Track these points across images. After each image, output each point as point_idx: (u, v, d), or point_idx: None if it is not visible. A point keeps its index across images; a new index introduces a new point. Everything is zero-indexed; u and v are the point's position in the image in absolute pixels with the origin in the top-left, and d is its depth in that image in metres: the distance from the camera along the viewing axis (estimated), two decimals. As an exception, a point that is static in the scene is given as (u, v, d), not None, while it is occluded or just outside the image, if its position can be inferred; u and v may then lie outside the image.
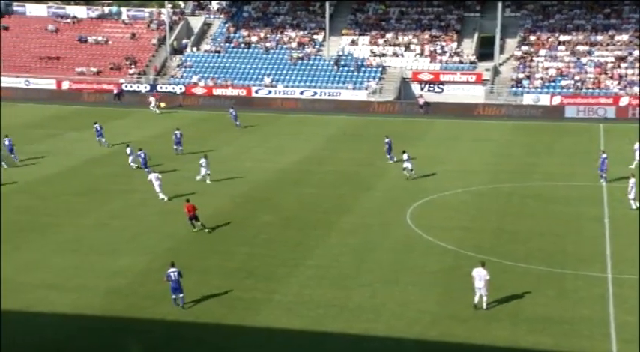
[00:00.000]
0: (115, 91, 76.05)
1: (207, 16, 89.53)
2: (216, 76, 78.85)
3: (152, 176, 40.92)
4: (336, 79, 77.07)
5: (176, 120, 65.41)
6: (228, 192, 42.21)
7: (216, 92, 76.71)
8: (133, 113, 69.74)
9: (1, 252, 31.93)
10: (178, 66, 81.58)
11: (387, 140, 50.03)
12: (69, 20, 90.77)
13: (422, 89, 75.25)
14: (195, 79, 78.71)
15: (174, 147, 52.18)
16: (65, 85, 79.23)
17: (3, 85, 78.80)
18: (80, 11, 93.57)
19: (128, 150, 47.35)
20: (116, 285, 28.73)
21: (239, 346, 24.60)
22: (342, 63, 78.51)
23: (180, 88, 77.35)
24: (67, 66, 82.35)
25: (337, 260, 31.83)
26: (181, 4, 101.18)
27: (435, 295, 28.15)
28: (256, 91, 76.36)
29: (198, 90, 77.13)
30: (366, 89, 75.05)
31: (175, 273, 26.81)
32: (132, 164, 47.05)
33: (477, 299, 26.79)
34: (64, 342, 24.49)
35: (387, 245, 33.75)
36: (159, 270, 30.24)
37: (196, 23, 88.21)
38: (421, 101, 71.87)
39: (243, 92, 76.44)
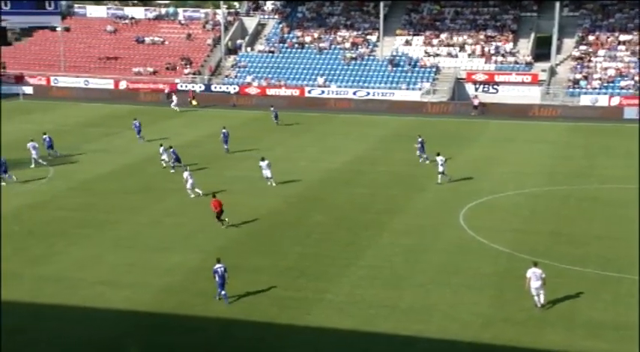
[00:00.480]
0: (167, 91, 77.07)
1: (261, 16, 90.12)
2: (270, 76, 79.28)
3: (185, 173, 41.39)
4: (390, 79, 76.82)
5: (230, 119, 65.97)
6: (281, 191, 42.36)
7: (270, 92, 77.13)
8: (186, 112, 70.50)
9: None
10: (232, 66, 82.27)
11: (419, 139, 49.56)
12: (127, 21, 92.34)
13: (476, 90, 74.51)
14: (249, 79, 79.27)
15: (225, 146, 52.55)
16: (122, 85, 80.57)
17: (63, 84, 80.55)
18: (138, 12, 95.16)
19: (161, 150, 47.57)
20: (169, 283, 29.05)
21: (290, 345, 24.64)
22: (396, 63, 78.20)
23: (235, 88, 77.98)
24: (124, 66, 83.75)
25: (389, 260, 31.69)
26: (236, 4, 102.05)
27: (488, 297, 27.81)
28: (309, 91, 76.55)
29: (252, 91, 77.66)
30: (420, 89, 74.62)
31: (222, 269, 27.07)
32: (162, 163, 47.32)
33: (537, 299, 26.50)
34: (119, 339, 24.82)
35: (440, 246, 33.48)
36: (211, 269, 30.49)
37: (251, 23, 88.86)
38: (476, 102, 71.18)
39: (296, 92, 76.71)
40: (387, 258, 31.94)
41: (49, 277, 29.59)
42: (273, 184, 42.64)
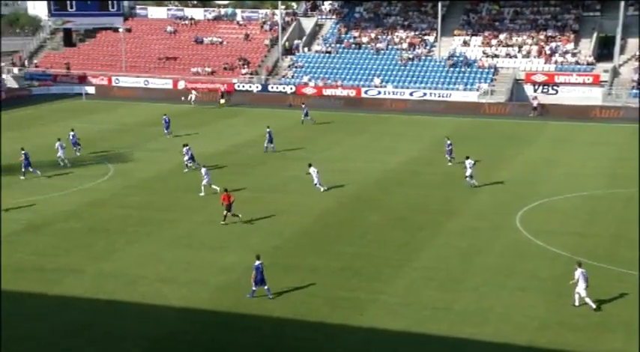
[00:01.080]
0: (221, 91, 77.96)
1: (319, 16, 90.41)
2: (327, 76, 79.48)
3: (203, 170, 41.87)
4: (447, 80, 76.28)
5: (286, 119, 66.42)
6: (336, 192, 42.46)
7: (326, 92, 77.32)
8: (242, 112, 71.17)
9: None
10: (289, 66, 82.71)
11: (448, 142, 48.88)
12: (186, 22, 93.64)
13: (535, 90, 73.47)
14: (305, 79, 79.59)
15: (265, 145, 52.80)
16: (181, 85, 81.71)
17: (124, 84, 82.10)
18: (197, 13, 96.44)
19: (184, 150, 47.50)
20: (225, 281, 29.37)
21: (342, 345, 24.70)
22: (453, 63, 77.62)
23: (291, 88, 78.40)
24: (183, 66, 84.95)
25: (444, 262, 31.51)
26: (294, 5, 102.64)
27: (545, 301, 27.43)
28: (366, 92, 76.51)
29: (308, 91, 77.95)
30: (477, 90, 73.92)
31: (261, 266, 27.55)
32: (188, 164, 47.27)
33: (589, 301, 26.22)
34: (177, 335, 25.19)
35: (496, 248, 33.15)
36: (265, 268, 30.72)
37: (308, 24, 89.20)
38: (535, 103, 70.21)
39: (352, 92, 76.75)
40: (441, 260, 31.77)
41: (110, 273, 30.22)
42: (321, 189, 42.28)
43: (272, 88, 79.33)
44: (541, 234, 34.61)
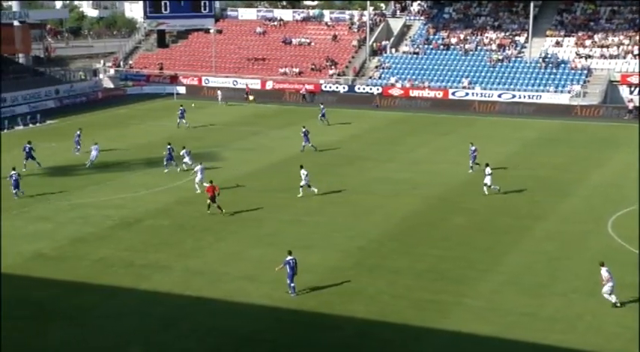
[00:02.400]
0: (302, 91, 78.52)
1: (407, 17, 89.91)
2: (414, 77, 79.00)
3: (198, 168, 42.37)
4: (537, 81, 74.71)
5: (373, 120, 66.43)
6: (421, 193, 42.20)
7: (413, 93, 76.82)
8: (328, 113, 71.34)
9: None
10: (376, 67, 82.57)
11: (472, 148, 47.29)
12: (275, 23, 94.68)
13: (631, 92, 71.15)
14: (392, 80, 79.30)
15: (303, 144, 53.02)
16: (269, 85, 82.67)
17: (213, 84, 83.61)
18: (286, 14, 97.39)
19: (184, 152, 47.07)
20: (309, 280, 29.56)
21: (427, 348, 24.55)
22: (546, 64, 75.96)
23: (378, 89, 78.23)
24: (271, 66, 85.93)
25: (530, 267, 30.88)
26: (382, 5, 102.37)
27: (637, 311, 26.52)
28: (453, 93, 75.69)
29: (395, 92, 77.61)
30: (569, 92, 72.11)
31: (293, 261, 27.81)
32: (184, 166, 47.13)
33: (615, 298, 26.29)
34: (262, 333, 25.49)
35: (585, 254, 32.26)
36: (349, 268, 30.91)
37: (396, 25, 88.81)
38: (630, 105, 68.02)
39: (439, 94, 76.03)
40: (528, 265, 31.15)
41: (196, 270, 30.85)
42: (315, 190, 41.32)
43: (359, 88, 79.35)
44: (635, 241, 33.47)
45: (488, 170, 41.55)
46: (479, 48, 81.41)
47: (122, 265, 31.25)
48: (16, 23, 75.63)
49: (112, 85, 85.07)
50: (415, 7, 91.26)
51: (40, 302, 27.59)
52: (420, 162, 49.68)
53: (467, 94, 75.12)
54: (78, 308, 27.19)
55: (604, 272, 26.70)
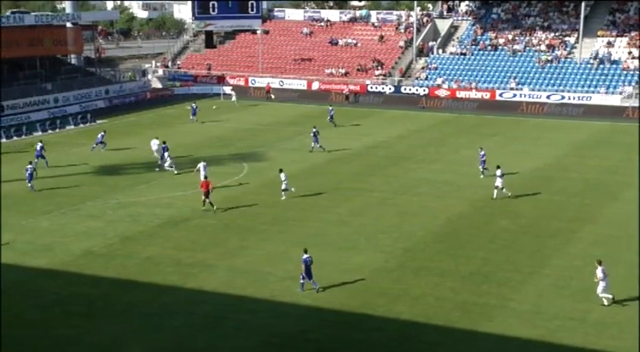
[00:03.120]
0: (345, 92, 78.55)
1: (455, 18, 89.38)
2: (461, 78, 78.51)
3: (200, 165, 42.71)
4: (587, 82, 73.65)
5: (419, 121, 66.22)
6: (467, 195, 41.96)
7: (460, 94, 76.36)
8: (374, 113, 71.45)
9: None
10: (423, 68, 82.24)
11: (482, 152, 46.13)
12: (322, 23, 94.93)
13: (684, 94, 69.78)
14: (439, 81, 78.91)
15: (312, 145, 52.93)
16: (315, 86, 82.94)
17: (260, 85, 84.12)
18: (333, 15, 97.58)
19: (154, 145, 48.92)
20: (353, 282, 29.64)
21: (471, 351, 24.45)
22: (597, 64, 74.85)
23: (424, 90, 77.92)
24: (317, 67, 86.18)
25: (578, 271, 30.52)
26: (430, 6, 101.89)
27: (686, 317, 26.08)
28: (500, 94, 75.02)
29: (442, 93, 77.22)
30: (621, 93, 70.93)
31: (308, 259, 28.36)
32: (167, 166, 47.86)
33: (608, 296, 26.89)
34: (306, 333, 25.64)
35: (634, 259, 31.76)
36: (394, 270, 30.93)
37: (443, 25, 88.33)
38: (682, 107, 66.69)
39: (487, 95, 75.43)
40: (575, 269, 30.80)
41: (241, 269, 31.16)
42: (292, 189, 41.45)
43: (404, 89, 79.15)
44: (685, 246, 32.87)
45: (499, 172, 40.91)
46: (527, 48, 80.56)
47: (169, 263, 31.72)
48: (68, 25, 77.13)
49: (160, 85, 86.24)
50: (463, 7, 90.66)
51: (91, 299, 28.18)
52: (463, 164, 49.36)
53: (515, 95, 74.40)
54: (127, 305, 27.72)
55: (599, 271, 26.84)
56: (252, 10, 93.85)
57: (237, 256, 32.69)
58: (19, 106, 66.68)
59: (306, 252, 28.72)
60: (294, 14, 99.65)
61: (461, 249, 33.46)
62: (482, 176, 45.39)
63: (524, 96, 73.97)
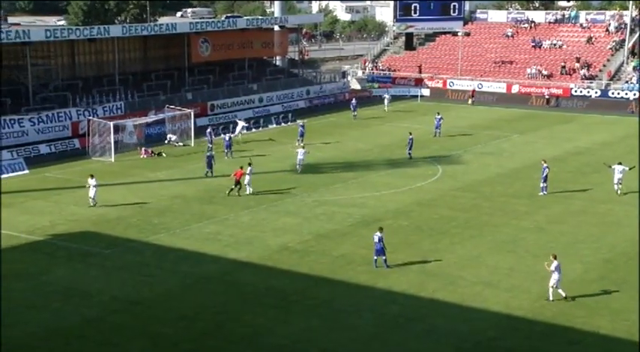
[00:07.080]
0: (546, 95, 75.55)
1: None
2: (677, 81, 73.33)
3: (249, 169, 42.64)
4: None
5: (627, 126, 62.67)
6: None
7: (675, 99, 71.33)
8: (577, 118, 68.48)
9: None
10: (634, 70, 77.59)
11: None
12: (526, 25, 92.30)
13: None
14: (651, 84, 74.17)
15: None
16: (514, 89, 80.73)
17: (458, 87, 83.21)
18: (538, 16, 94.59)
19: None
20: (546, 290, 28.50)
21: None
22: None
23: (634, 94, 73.51)
24: (518, 70, 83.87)
25: None
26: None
27: None
28: None
29: (655, 97, 72.52)
30: None
31: (378, 237, 30.38)
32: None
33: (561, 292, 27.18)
34: (497, 341, 25.05)
35: None
36: (593, 281, 29.53)
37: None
38: None
39: None
40: None
41: (432, 272, 30.96)
42: (248, 192, 42.37)
43: (612, 93, 75.10)
44: None
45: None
46: None
47: (361, 262, 32.11)
48: (276, 28, 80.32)
49: (358, 87, 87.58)
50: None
51: (284, 292, 29.15)
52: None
53: None
54: (319, 300, 28.37)
55: (553, 265, 27.39)
56: (454, 12, 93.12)
57: (429, 258, 32.50)
58: (227, 105, 70.35)
59: (381, 230, 30.90)
60: (497, 15, 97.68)
61: (667, 263, 31.25)
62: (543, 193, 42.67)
63: None
